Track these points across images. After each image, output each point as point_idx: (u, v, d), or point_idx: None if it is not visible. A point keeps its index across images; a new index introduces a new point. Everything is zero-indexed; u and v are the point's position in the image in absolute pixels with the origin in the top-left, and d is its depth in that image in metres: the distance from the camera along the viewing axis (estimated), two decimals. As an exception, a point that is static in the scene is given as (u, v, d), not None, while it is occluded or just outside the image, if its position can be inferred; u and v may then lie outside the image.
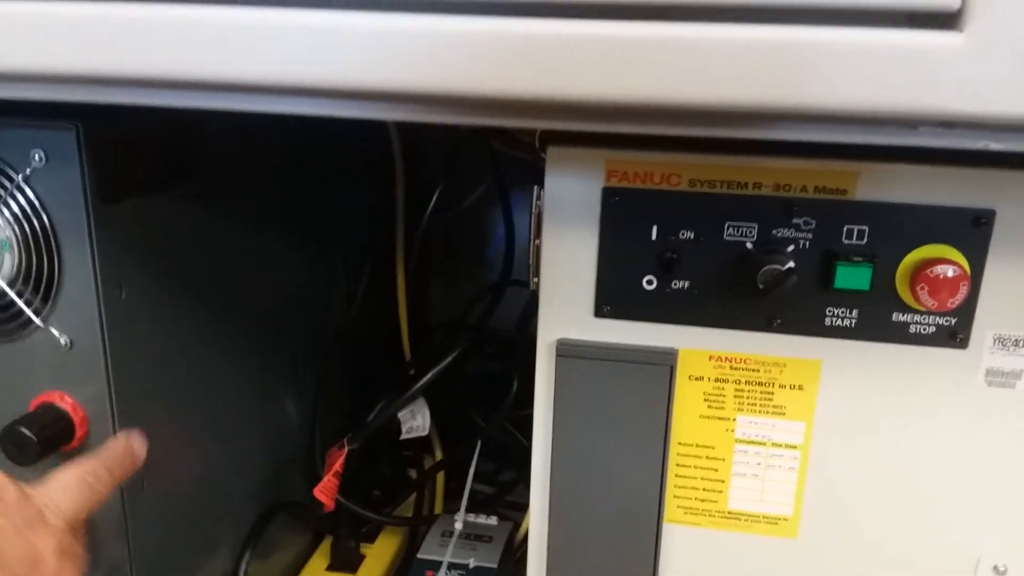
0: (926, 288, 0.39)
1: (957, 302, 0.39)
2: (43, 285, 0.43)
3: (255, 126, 0.54)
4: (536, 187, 0.43)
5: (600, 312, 0.44)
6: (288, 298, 0.62)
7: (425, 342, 0.80)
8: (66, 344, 0.43)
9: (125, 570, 0.47)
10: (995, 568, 0.44)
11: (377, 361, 0.77)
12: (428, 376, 0.61)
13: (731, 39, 0.23)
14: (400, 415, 0.69)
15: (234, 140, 0.53)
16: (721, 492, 0.45)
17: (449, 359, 0.61)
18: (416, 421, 0.71)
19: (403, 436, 0.70)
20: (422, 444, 0.75)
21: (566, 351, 0.44)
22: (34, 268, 0.43)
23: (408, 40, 0.25)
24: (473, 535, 0.62)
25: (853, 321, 0.41)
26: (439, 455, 0.75)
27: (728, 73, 0.23)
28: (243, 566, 0.57)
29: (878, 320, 0.41)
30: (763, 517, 0.45)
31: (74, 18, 0.27)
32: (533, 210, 0.44)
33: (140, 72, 0.27)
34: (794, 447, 0.44)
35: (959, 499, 0.43)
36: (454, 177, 0.72)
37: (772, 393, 0.43)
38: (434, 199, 0.69)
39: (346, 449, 0.58)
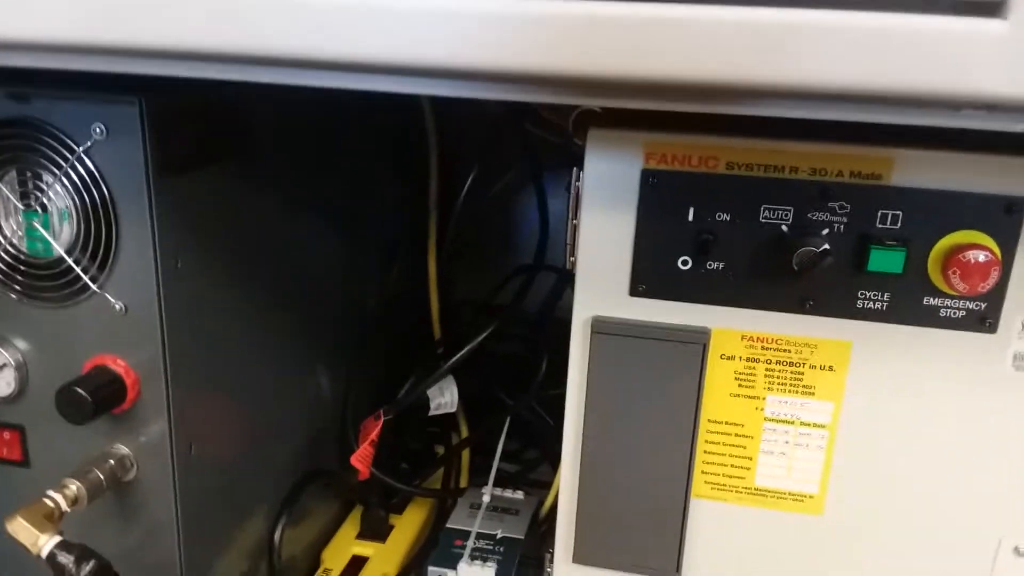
0: (958, 272, 0.40)
1: (988, 287, 0.40)
2: (100, 253, 0.45)
3: (298, 108, 0.56)
4: (575, 168, 0.45)
5: (635, 291, 0.45)
6: (325, 276, 0.64)
7: (454, 322, 0.81)
8: (121, 310, 0.45)
9: (171, 529, 0.48)
10: (1016, 549, 0.45)
11: (407, 339, 0.79)
12: (461, 353, 0.62)
13: (785, 22, 0.24)
14: (429, 392, 0.70)
15: (279, 121, 0.54)
16: (749, 469, 0.46)
17: (482, 336, 0.62)
18: (444, 398, 0.72)
19: (431, 412, 0.71)
20: (449, 421, 0.77)
21: (601, 328, 0.45)
22: (92, 237, 0.44)
23: (502, 22, 0.26)
24: (500, 507, 0.64)
25: (885, 304, 0.42)
26: (465, 432, 0.77)
27: (786, 54, 0.24)
28: (278, 531, 0.59)
29: (909, 303, 0.42)
30: (789, 494, 0.46)
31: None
32: (572, 191, 0.45)
33: (258, 49, 0.28)
34: (822, 427, 0.45)
35: (983, 481, 0.44)
36: (487, 160, 0.73)
37: (802, 373, 0.44)
38: (467, 185, 0.70)
39: (382, 419, 0.59)
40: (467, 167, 0.73)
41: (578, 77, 0.28)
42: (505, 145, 0.74)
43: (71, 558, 0.43)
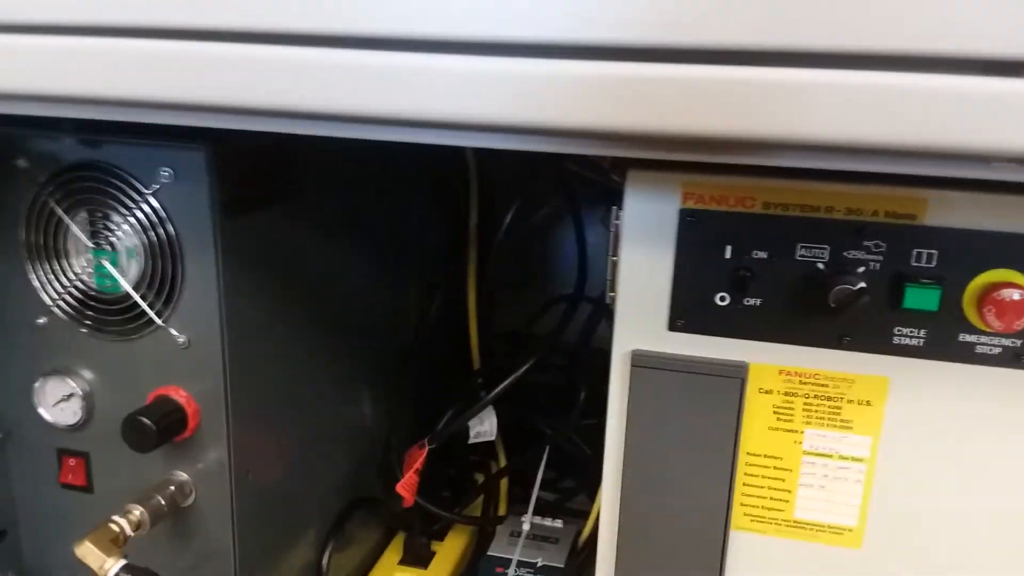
0: (993, 310, 0.41)
1: (1023, 324, 0.40)
2: (165, 289, 0.47)
3: (348, 152, 0.59)
4: (614, 207, 0.46)
5: (674, 326, 0.46)
6: (369, 309, 0.66)
7: (492, 352, 0.83)
8: (184, 343, 0.48)
9: (228, 553, 0.50)
10: (1058, 585, 0.45)
11: (447, 370, 0.81)
12: (505, 383, 0.64)
13: (832, 84, 0.26)
14: (468, 421, 0.72)
15: (330, 164, 0.57)
16: (788, 501, 0.47)
17: (524, 368, 0.64)
18: (484, 427, 0.74)
19: (471, 441, 0.73)
20: (487, 449, 0.78)
21: (641, 362, 0.47)
22: (158, 274, 0.47)
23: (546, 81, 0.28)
24: (540, 536, 0.65)
25: (921, 340, 0.43)
26: (503, 460, 0.78)
27: (833, 114, 0.26)
28: (326, 556, 0.61)
29: (945, 340, 0.42)
30: (828, 527, 0.47)
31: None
32: (611, 228, 0.47)
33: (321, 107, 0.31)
34: (860, 460, 0.46)
35: (1020, 518, 0.44)
36: (524, 193, 0.75)
37: (840, 408, 0.45)
38: (509, 217, 0.72)
39: (426, 448, 0.61)
40: (506, 200, 0.75)
41: (624, 132, 0.29)
42: (544, 178, 0.76)
43: (135, 580, 0.45)
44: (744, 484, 0.47)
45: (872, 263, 0.43)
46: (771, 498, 0.47)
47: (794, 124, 0.27)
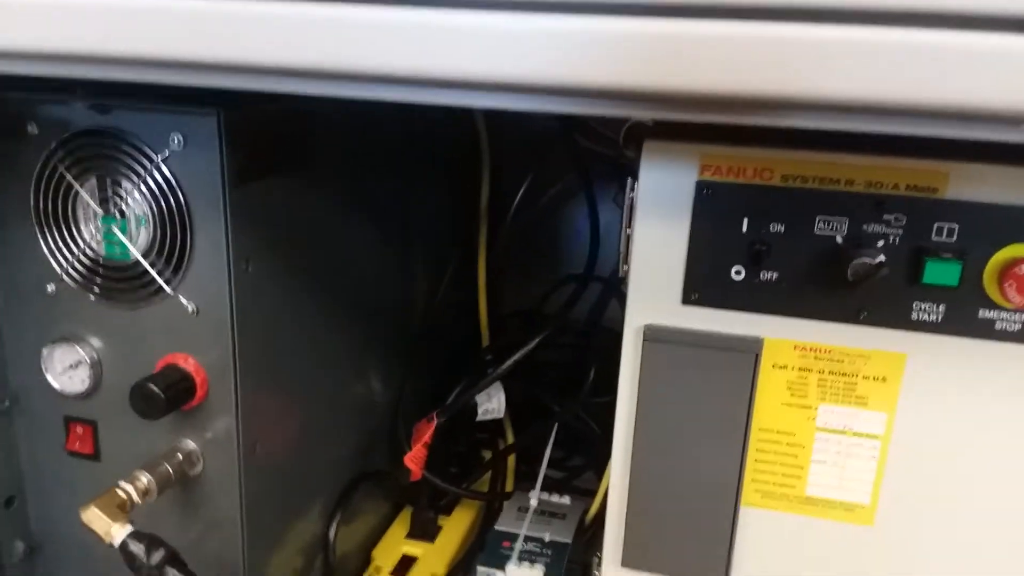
0: (1014, 285, 0.40)
1: (1045, 301, 0.40)
2: (175, 257, 0.47)
3: (359, 121, 0.58)
4: (629, 179, 0.46)
5: (688, 300, 0.46)
6: (380, 281, 0.66)
7: (502, 329, 0.83)
8: (193, 311, 0.47)
9: (235, 523, 0.50)
10: (1072, 566, 0.44)
11: (457, 346, 0.81)
12: (513, 358, 0.63)
13: (849, 39, 0.25)
14: (477, 397, 0.72)
15: (341, 133, 0.56)
16: (800, 478, 0.47)
17: (533, 344, 0.64)
18: (492, 404, 0.73)
19: (479, 418, 0.73)
20: (496, 427, 0.78)
21: (653, 336, 0.46)
22: (167, 241, 0.47)
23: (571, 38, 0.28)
24: (547, 512, 0.65)
25: (940, 316, 0.42)
26: (511, 438, 0.78)
27: (857, 72, 0.25)
28: (333, 528, 0.61)
29: (964, 316, 0.42)
30: (840, 504, 0.47)
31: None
32: (625, 200, 0.46)
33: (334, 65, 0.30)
34: (875, 437, 0.45)
35: (1038, 496, 0.44)
36: (536, 171, 0.75)
37: (855, 384, 0.44)
38: (520, 195, 0.71)
39: (435, 422, 0.61)
40: (517, 177, 0.75)
41: (641, 91, 0.29)
42: (555, 156, 0.75)
43: (142, 547, 0.45)
44: (756, 460, 0.47)
45: (892, 237, 0.42)
46: (783, 474, 0.47)
47: (817, 82, 0.26)
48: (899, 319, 0.43)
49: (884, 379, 0.44)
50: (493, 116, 0.73)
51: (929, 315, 0.42)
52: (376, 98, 0.33)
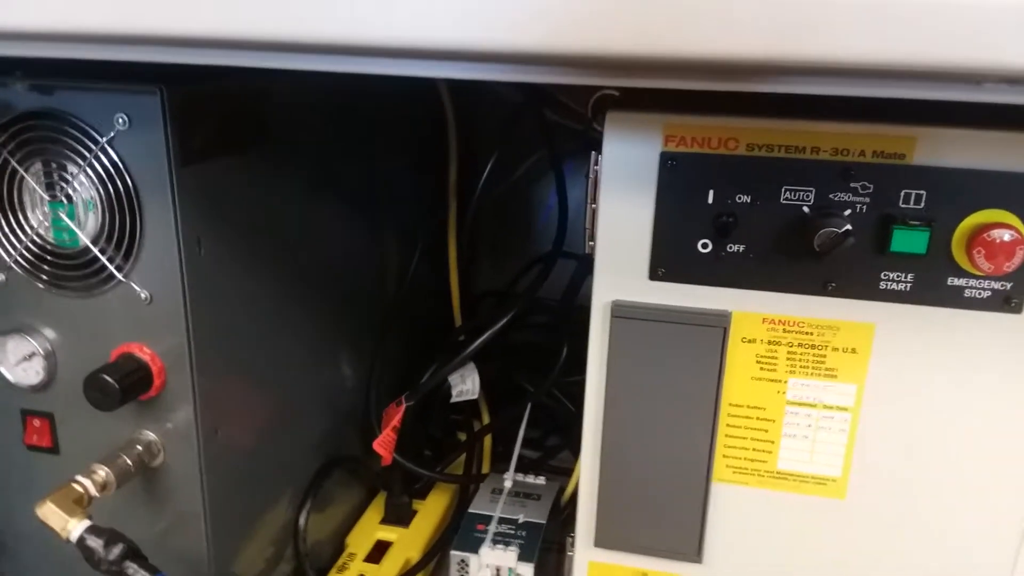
0: (983, 252, 0.39)
1: (1013, 266, 0.39)
2: (125, 242, 0.45)
3: (318, 97, 0.56)
4: (593, 152, 0.45)
5: (655, 275, 0.45)
6: (346, 263, 0.65)
7: (474, 309, 0.81)
8: (146, 298, 0.46)
9: (199, 514, 0.49)
10: (1044, 533, 0.44)
11: (428, 327, 0.79)
12: (483, 338, 0.62)
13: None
14: (451, 379, 0.71)
15: (299, 109, 0.54)
16: (770, 452, 0.46)
17: (503, 322, 0.63)
18: (466, 385, 0.73)
19: (453, 399, 0.72)
20: (471, 408, 0.77)
21: (621, 312, 0.45)
22: (116, 226, 0.45)
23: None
24: (522, 493, 0.64)
25: (908, 285, 0.41)
26: (486, 419, 0.77)
27: (805, 29, 0.24)
28: (303, 516, 0.60)
29: (933, 284, 0.41)
30: (812, 478, 0.46)
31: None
32: (590, 174, 0.45)
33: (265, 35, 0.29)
34: (845, 409, 0.44)
35: (1008, 464, 0.43)
36: (506, 148, 0.73)
37: (824, 356, 0.44)
38: (487, 170, 0.70)
39: (404, 405, 0.60)
40: (487, 155, 0.73)
41: (598, 57, 0.28)
42: (524, 133, 0.74)
43: (100, 542, 0.44)
44: (726, 436, 0.46)
45: (859, 206, 0.41)
46: (754, 449, 0.46)
47: (782, 45, 0.25)
48: (867, 289, 0.42)
49: (853, 351, 0.43)
50: (460, 92, 0.71)
51: (897, 284, 0.42)
52: (326, 69, 0.32)
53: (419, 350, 0.76)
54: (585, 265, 0.80)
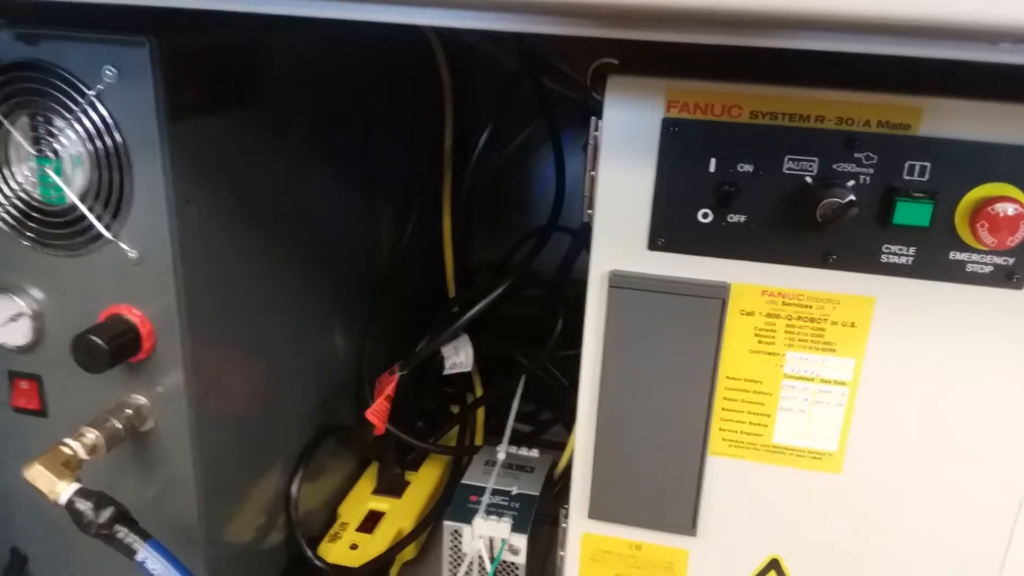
0: (986, 226, 0.39)
1: (1016, 241, 0.39)
2: (113, 200, 0.44)
3: (312, 56, 0.55)
4: (593, 118, 0.44)
5: (654, 244, 0.44)
6: (340, 229, 0.64)
7: (469, 281, 0.81)
8: (135, 258, 0.45)
9: (189, 480, 0.49)
10: (1038, 510, 0.44)
11: (422, 298, 0.79)
12: (477, 308, 0.62)
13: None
14: (444, 351, 0.70)
15: (293, 68, 0.53)
16: (767, 426, 0.46)
17: (496, 293, 0.62)
18: (459, 357, 0.72)
19: (446, 371, 0.71)
20: (464, 381, 0.77)
21: (618, 282, 0.45)
22: (105, 183, 0.44)
23: None
24: (515, 465, 0.64)
25: (910, 258, 0.41)
26: (479, 391, 0.77)
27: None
28: (295, 485, 0.60)
29: (935, 258, 0.41)
30: (808, 452, 0.46)
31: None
32: (590, 141, 0.44)
33: None
34: (843, 384, 0.44)
35: (1005, 439, 0.43)
36: (503, 118, 0.72)
37: (823, 330, 0.43)
38: (483, 139, 0.69)
39: (397, 375, 0.59)
40: (484, 125, 0.72)
41: (595, 3, 0.27)
42: (522, 104, 0.73)
43: (89, 504, 0.44)
44: (723, 409, 0.46)
45: (863, 176, 0.40)
46: (750, 423, 0.46)
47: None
48: (868, 262, 0.41)
49: (853, 324, 0.43)
50: (457, 59, 0.70)
51: (899, 257, 0.41)
52: (309, 15, 0.30)
53: (413, 321, 0.76)
54: (580, 239, 0.80)
